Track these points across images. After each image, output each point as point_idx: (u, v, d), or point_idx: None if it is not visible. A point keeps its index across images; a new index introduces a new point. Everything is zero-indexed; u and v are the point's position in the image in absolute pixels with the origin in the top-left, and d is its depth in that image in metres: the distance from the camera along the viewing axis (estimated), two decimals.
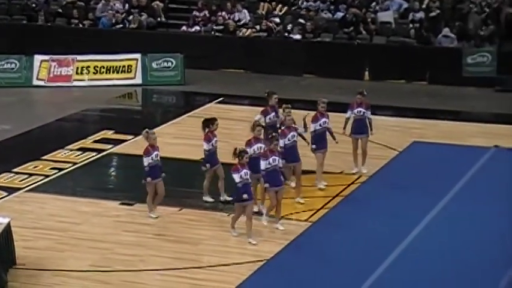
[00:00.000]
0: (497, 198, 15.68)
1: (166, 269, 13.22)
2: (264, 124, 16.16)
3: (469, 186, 16.32)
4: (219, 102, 23.00)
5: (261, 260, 13.39)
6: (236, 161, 14.10)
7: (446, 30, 25.07)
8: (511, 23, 25.06)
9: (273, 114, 16.46)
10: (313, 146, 16.12)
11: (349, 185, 16.52)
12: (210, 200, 15.69)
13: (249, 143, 14.98)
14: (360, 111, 16.80)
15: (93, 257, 13.66)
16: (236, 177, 13.87)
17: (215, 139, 15.49)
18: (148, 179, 14.78)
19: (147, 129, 15.11)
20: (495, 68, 23.96)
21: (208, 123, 15.56)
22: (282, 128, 15.73)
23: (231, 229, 14.30)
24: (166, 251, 13.85)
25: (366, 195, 16.00)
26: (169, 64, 25.21)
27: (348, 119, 16.89)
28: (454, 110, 22.22)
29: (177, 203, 15.71)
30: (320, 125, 16.17)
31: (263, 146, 14.84)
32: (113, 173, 18.75)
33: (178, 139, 19.77)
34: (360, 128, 16.83)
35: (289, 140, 15.41)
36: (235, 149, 14.27)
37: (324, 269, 13.03)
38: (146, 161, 14.76)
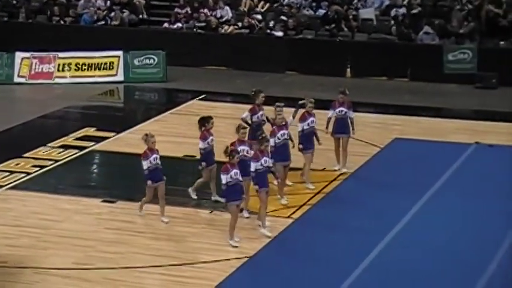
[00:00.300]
0: (478, 195, 15.76)
1: (149, 266, 13.22)
2: (250, 122, 16.15)
3: (450, 182, 16.40)
4: (202, 99, 23.00)
5: (244, 257, 13.41)
6: (228, 159, 13.92)
7: (427, 28, 25.18)
8: (492, 20, 25.20)
9: (261, 113, 16.39)
10: (300, 146, 16.07)
11: (331, 182, 16.56)
12: (194, 196, 15.68)
13: (232, 146, 14.80)
14: (342, 111, 16.80)
15: (75, 254, 13.64)
16: (224, 178, 13.62)
17: (211, 137, 15.34)
18: (149, 182, 14.59)
19: (146, 133, 14.93)
20: (476, 65, 24.09)
21: (204, 121, 15.39)
22: (273, 127, 15.59)
23: (230, 239, 13.82)
24: (148, 249, 13.84)
25: (348, 192, 16.04)
26: (151, 61, 25.18)
27: (329, 118, 16.88)
28: (435, 106, 22.34)
29: (159, 200, 15.68)
30: (308, 125, 16.11)
31: (247, 148, 14.69)
32: (94, 171, 18.71)
33: (160, 136, 19.58)
34: (342, 128, 16.82)
35: (279, 139, 15.30)
36: (227, 147, 14.21)
37: (306, 266, 13.05)
38: (145, 164, 14.57)
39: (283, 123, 15.54)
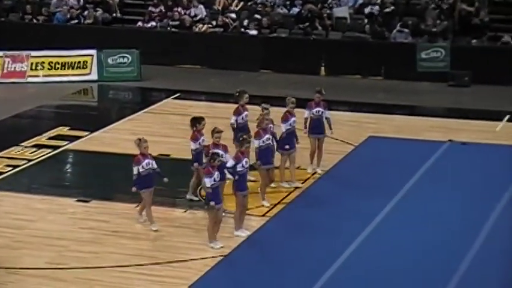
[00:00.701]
0: (451, 193, 15.84)
1: (124, 265, 13.18)
2: (235, 126, 16.04)
3: (424, 181, 16.48)
4: (176, 98, 22.96)
5: (219, 256, 13.41)
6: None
7: (400, 25, 25.29)
8: (465, 19, 25.38)
9: (245, 113, 16.28)
10: (286, 147, 16.05)
11: (306, 180, 16.60)
12: (195, 198, 15.50)
13: (207, 149, 14.63)
14: (319, 111, 16.76)
15: (49, 254, 13.57)
16: (208, 181, 13.49)
17: (202, 138, 15.14)
18: (133, 188, 14.26)
19: (139, 137, 14.55)
20: (449, 63, 24.23)
21: (196, 122, 15.21)
22: (258, 129, 15.41)
23: (209, 242, 13.69)
24: (123, 248, 13.80)
25: (322, 191, 16.04)
26: (125, 60, 25.09)
27: (306, 119, 16.82)
28: (409, 104, 22.46)
29: (133, 199, 15.65)
30: (290, 125, 16.09)
31: (222, 152, 14.48)
32: (68, 170, 18.62)
33: (134, 135, 19.55)
34: (318, 128, 16.79)
35: (263, 143, 15.18)
36: (207, 151, 14.14)
37: (279, 267, 13.01)
38: (136, 170, 14.23)
39: (270, 126, 15.42)
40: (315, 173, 16.93)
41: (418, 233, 14.12)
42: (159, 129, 20.01)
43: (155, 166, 14.39)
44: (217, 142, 14.63)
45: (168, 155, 17.81)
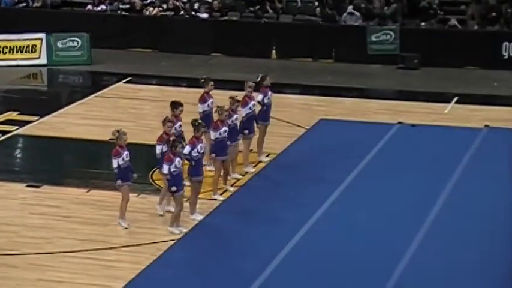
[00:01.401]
0: (401, 175, 15.99)
1: (75, 251, 13.13)
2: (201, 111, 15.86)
3: (375, 162, 16.64)
4: (127, 82, 22.83)
5: (171, 241, 13.42)
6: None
7: (350, 8, 25.44)
8: (413, 1, 25.60)
9: (211, 101, 16.11)
10: (246, 131, 16.00)
11: (258, 163, 16.65)
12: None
13: (160, 140, 14.38)
14: (269, 97, 16.74)
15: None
16: (166, 168, 13.43)
17: (179, 123, 14.95)
18: (119, 181, 13.87)
19: (117, 129, 14.05)
20: (398, 45, 24.45)
21: (173, 107, 15.00)
22: (216, 120, 15.14)
23: (170, 227, 13.67)
24: (74, 233, 13.74)
25: (270, 178, 15.86)
26: (75, 44, 24.86)
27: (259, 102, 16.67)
28: (359, 87, 22.64)
29: (84, 184, 15.59)
30: (250, 109, 16.04)
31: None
32: (18, 155, 18.44)
33: (85, 119, 19.58)
34: (267, 115, 16.70)
35: (220, 135, 15.00)
36: (168, 138, 14.05)
37: (224, 257, 12.86)
38: (115, 162, 13.81)
39: (227, 119, 15.24)
40: (269, 154, 16.96)
41: (369, 216, 14.21)
42: (110, 114, 19.90)
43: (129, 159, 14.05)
44: (168, 131, 14.41)
45: None
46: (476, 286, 12.05)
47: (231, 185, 15.51)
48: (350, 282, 12.09)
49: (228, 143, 15.20)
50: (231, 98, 15.74)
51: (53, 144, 18.13)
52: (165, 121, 14.50)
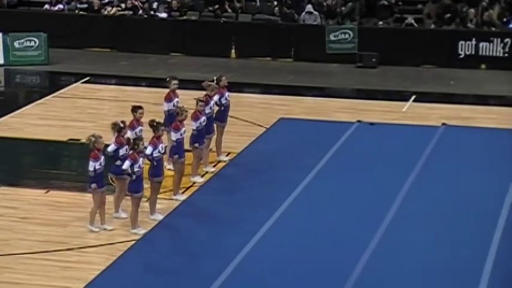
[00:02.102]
0: (360, 174, 16.04)
1: (34, 252, 13.03)
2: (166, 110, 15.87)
3: (334, 161, 16.69)
4: (85, 82, 22.70)
5: (132, 241, 13.37)
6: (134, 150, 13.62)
7: (309, 7, 25.55)
8: (371, 0, 25.79)
9: (176, 100, 16.04)
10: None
11: (218, 163, 16.66)
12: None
13: (119, 143, 14.21)
14: (227, 98, 16.73)
15: None
16: (91, 165, 13.40)
17: (140, 128, 14.90)
18: (93, 185, 13.66)
19: (93, 134, 13.83)
20: (356, 44, 24.62)
21: (133, 110, 14.97)
22: (177, 122, 14.96)
23: (133, 228, 13.63)
24: (33, 234, 13.64)
25: (228, 178, 15.84)
26: (33, 43, 24.64)
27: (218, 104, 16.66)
28: (319, 86, 22.74)
29: (43, 185, 15.47)
30: (210, 108, 16.00)
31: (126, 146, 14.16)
32: None
33: (43, 120, 19.42)
34: (225, 116, 16.67)
35: (181, 135, 14.94)
36: (128, 138, 13.99)
37: (183, 260, 12.80)
38: (92, 166, 13.61)
39: (184, 120, 15.19)
40: (229, 153, 16.99)
41: (327, 216, 14.24)
42: (69, 114, 19.77)
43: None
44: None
45: (78, 140, 17.63)
46: (435, 286, 12.13)
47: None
48: (309, 282, 12.12)
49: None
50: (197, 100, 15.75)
51: (10, 144, 17.96)
52: (123, 128, 14.27)
